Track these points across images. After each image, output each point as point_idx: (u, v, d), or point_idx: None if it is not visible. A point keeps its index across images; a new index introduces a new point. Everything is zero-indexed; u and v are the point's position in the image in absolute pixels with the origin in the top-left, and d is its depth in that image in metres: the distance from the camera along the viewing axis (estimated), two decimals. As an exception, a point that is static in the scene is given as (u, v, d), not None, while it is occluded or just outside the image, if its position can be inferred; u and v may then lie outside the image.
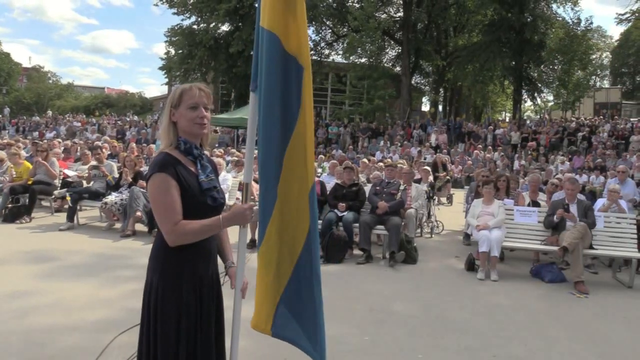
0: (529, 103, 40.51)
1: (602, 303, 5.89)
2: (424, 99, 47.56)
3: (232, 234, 2.54)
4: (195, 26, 33.10)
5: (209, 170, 2.42)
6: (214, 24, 31.85)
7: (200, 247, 2.31)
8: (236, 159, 11.83)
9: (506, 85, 36.88)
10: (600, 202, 8.12)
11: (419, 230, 9.31)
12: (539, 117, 41.14)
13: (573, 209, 7.05)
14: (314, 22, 33.23)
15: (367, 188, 8.20)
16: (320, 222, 7.65)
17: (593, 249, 6.87)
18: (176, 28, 33.34)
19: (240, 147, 21.50)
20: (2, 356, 3.79)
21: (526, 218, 7.29)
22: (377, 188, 7.86)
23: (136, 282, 5.70)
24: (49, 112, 35.34)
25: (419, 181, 10.88)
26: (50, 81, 62.21)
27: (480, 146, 22.58)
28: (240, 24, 30.89)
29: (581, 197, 7.84)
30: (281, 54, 2.37)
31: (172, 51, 34.44)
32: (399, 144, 23.04)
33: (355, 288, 6.06)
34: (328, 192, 8.06)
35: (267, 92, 2.40)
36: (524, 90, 33.59)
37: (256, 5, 2.57)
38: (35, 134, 25.60)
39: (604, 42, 56.73)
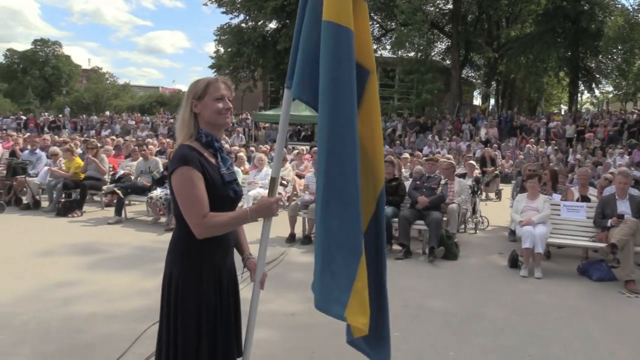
0: (586, 95, 39.00)
1: (654, 303, 5.59)
2: (475, 93, 46.54)
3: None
4: (243, 24, 33.65)
5: (229, 162, 2.43)
6: (261, 21, 32.30)
7: (220, 238, 2.31)
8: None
9: (561, 77, 35.55)
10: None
11: (462, 226, 9.12)
12: (597, 109, 39.43)
13: (625, 205, 6.71)
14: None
15: (409, 183, 8.09)
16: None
17: (646, 246, 6.52)
18: (225, 27, 34.03)
19: (288, 143, 21.69)
20: (42, 341, 3.96)
21: (573, 214, 7.00)
22: (417, 183, 7.73)
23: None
24: (107, 112, 36.70)
25: (463, 176, 10.64)
26: (108, 82, 64.58)
27: (532, 140, 21.86)
28: (287, 21, 31.17)
29: (635, 192, 7.46)
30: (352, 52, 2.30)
31: (222, 50, 35.15)
32: (448, 139, 22.61)
33: (391, 283, 5.88)
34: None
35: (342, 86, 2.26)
36: (580, 82, 32.29)
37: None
38: (92, 132, 26.65)
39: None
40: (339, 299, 2.23)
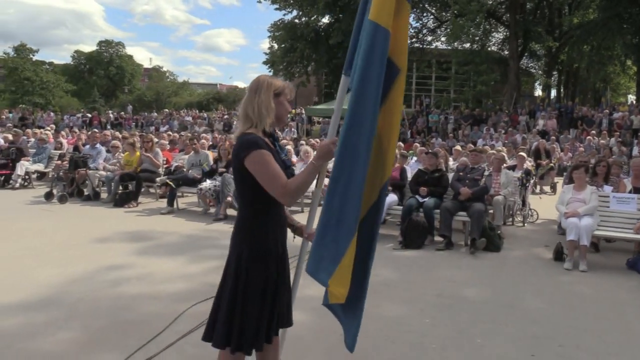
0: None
1: None
2: (536, 84, 44.93)
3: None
4: (296, 20, 33.93)
5: (285, 151, 2.73)
6: (314, 16, 32.44)
7: (277, 215, 2.60)
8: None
9: (628, 65, 33.77)
10: None
11: (510, 219, 8.97)
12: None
13: (678, 195, 6.43)
14: (415, 9, 32.63)
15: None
16: (400, 207, 7.65)
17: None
18: (278, 23, 34.42)
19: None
20: (91, 317, 4.30)
21: (623, 205, 6.75)
22: (461, 174, 7.68)
23: (219, 260, 6.06)
24: (166, 110, 38.04)
25: (513, 168, 10.43)
26: (168, 80, 66.77)
27: (593, 132, 20.96)
28: (340, 15, 31.22)
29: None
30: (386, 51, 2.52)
31: (275, 46, 35.63)
32: (503, 131, 22.04)
33: (429, 273, 6.01)
34: (410, 179, 8.01)
35: (368, 83, 2.51)
36: (648, 70, 30.61)
37: None
38: (152, 128, 27.74)
39: None
40: (327, 269, 2.55)
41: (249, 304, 2.48)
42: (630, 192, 7.37)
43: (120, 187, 10.06)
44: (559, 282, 5.74)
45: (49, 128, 19.67)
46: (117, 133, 15.50)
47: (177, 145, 13.96)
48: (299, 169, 9.81)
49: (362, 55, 2.51)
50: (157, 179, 10.25)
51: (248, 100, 2.53)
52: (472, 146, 15.62)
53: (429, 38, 36.34)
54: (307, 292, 5.12)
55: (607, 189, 7.53)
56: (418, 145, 15.32)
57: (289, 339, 3.97)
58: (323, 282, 2.56)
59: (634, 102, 29.33)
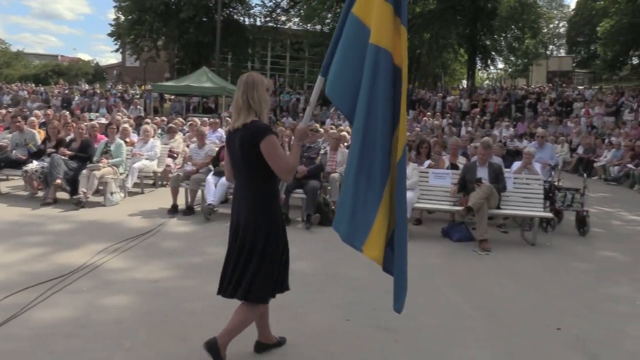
0: (493, 70, 41.05)
1: (500, 259, 6.17)
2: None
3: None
4: (144, -10, 32.04)
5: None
6: (163, -13, 30.93)
7: (277, 190, 3.25)
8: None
9: (461, 54, 37.15)
10: (516, 165, 8.40)
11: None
12: (492, 85, 41.79)
13: (484, 172, 7.27)
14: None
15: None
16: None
17: (500, 209, 7.14)
18: (125, -8, 32.26)
19: (187, 115, 21.19)
20: None
21: (440, 180, 7.50)
22: (298, 152, 7.91)
23: (43, 247, 5.71)
24: (-5, 82, 33.94)
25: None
26: (-1, 49, 59.46)
27: (429, 113, 22.85)
28: (191, -12, 30.12)
29: (497, 160, 8.10)
30: (392, 68, 3.10)
31: (122, 17, 33.40)
32: (350, 111, 23.08)
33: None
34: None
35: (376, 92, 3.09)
36: (477, 59, 33.94)
37: None
38: (-24, 103, 24.62)
39: (561, 11, 57.56)
40: (360, 237, 3.13)
41: (276, 260, 3.16)
42: (448, 167, 8.20)
43: None
44: (382, 252, 6.22)
45: None
46: None
47: (3, 122, 12.57)
48: (138, 148, 9.43)
49: (369, 74, 3.10)
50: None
51: (247, 93, 3.03)
52: (317, 126, 16.13)
53: (283, 18, 36.64)
54: (136, 275, 5.01)
55: (427, 163, 8.30)
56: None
57: (108, 324, 3.86)
58: (358, 248, 3.15)
59: (465, 87, 32.47)
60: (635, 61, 34.77)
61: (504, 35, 33.35)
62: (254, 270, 3.08)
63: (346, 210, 3.20)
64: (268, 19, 35.38)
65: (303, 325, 4.02)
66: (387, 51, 3.10)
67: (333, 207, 7.72)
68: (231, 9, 34.51)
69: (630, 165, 14.29)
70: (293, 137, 3.45)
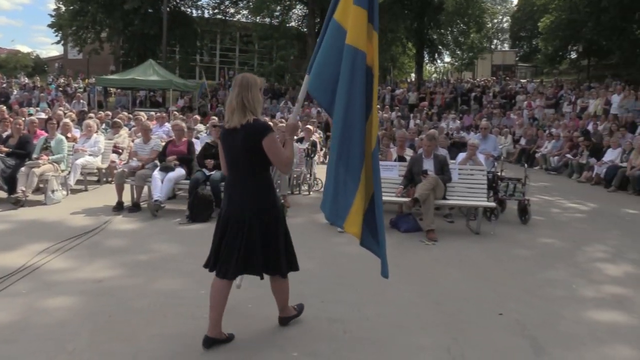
0: (440, 63, 41.84)
1: (446, 249, 6.34)
2: (334, 61, 47.63)
3: None
4: (86, -20, 30.91)
5: None
6: (106, -23, 29.90)
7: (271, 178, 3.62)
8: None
9: (409, 47, 37.73)
10: (461, 156, 8.63)
11: (297, 188, 9.50)
12: (444, 78, 42.69)
13: (429, 163, 7.44)
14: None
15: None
16: (187, 181, 7.59)
17: (446, 199, 7.33)
18: (66, -19, 31.01)
19: (134, 109, 20.65)
20: None
21: (388, 172, 7.60)
22: (247, 147, 7.86)
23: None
24: None
25: (302, 140, 11.02)
26: None
27: (378, 106, 23.08)
28: (135, -21, 29.22)
29: (442, 152, 8.30)
30: (365, 68, 3.59)
31: (63, 7, 32.10)
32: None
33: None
34: (198, 152, 7.98)
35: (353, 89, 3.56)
36: (425, 52, 34.56)
37: None
38: None
39: (505, 6, 59.33)
40: (342, 216, 3.62)
41: (288, 236, 3.71)
42: (395, 160, 8.33)
43: None
44: (331, 244, 6.29)
45: None
46: None
47: None
48: (80, 144, 9.13)
49: (345, 76, 3.55)
50: None
51: (242, 95, 3.31)
52: (274, 119, 16.06)
53: (232, 10, 36.10)
54: (79, 276, 4.87)
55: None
56: (216, 119, 15.26)
57: (49, 326, 3.74)
58: (340, 226, 3.71)
59: (413, 80, 33.05)
60: (573, 55, 36.20)
61: (450, 29, 34.06)
62: (276, 250, 3.56)
63: (329, 193, 3.68)
64: (216, 10, 34.80)
65: (252, 321, 4.01)
66: (363, 52, 3.57)
67: (283, 201, 7.71)
68: (178, 1, 33.76)
69: (568, 156, 14.94)
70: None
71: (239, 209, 3.46)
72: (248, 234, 3.41)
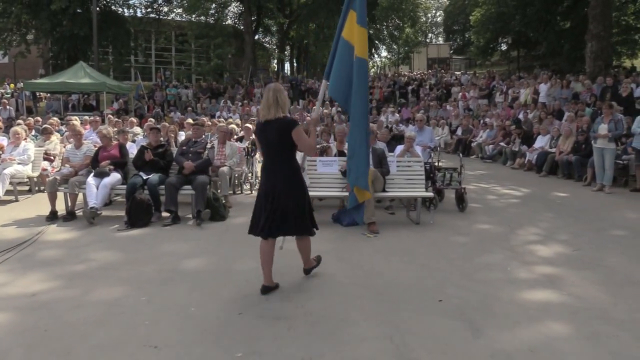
0: (376, 58, 42.39)
1: (387, 240, 6.46)
2: (272, 58, 47.58)
3: None
4: (8, -21, 29.32)
5: None
6: (30, -24, 28.47)
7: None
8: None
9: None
10: (399, 148, 8.81)
11: (239, 188, 9.42)
12: (382, 72, 43.34)
13: (368, 156, 7.54)
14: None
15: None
16: (124, 186, 7.38)
17: (386, 192, 7.46)
18: (-15, -19, 29.27)
19: (66, 114, 19.82)
20: None
21: (327, 168, 7.67)
22: (184, 148, 7.75)
23: None
24: None
25: (242, 139, 10.93)
26: None
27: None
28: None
29: (380, 144, 8.44)
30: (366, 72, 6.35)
31: (-17, 9, 30.30)
32: (240, 104, 22.88)
33: (153, 250, 5.96)
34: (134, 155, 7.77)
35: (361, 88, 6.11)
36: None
37: None
38: None
39: (437, 1, 60.84)
40: (365, 186, 6.37)
41: (310, 205, 4.67)
42: (335, 155, 8.40)
43: None
44: (274, 242, 6.26)
45: None
46: None
47: None
48: (8, 153, 8.68)
49: (358, 84, 6.00)
50: None
51: (276, 95, 4.30)
52: (205, 120, 15.82)
53: (165, 9, 35.27)
54: (10, 291, 4.65)
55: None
56: (153, 121, 14.91)
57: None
58: (367, 189, 6.37)
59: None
60: (504, 47, 37.63)
61: (385, 24, 34.63)
62: (302, 216, 4.50)
63: (363, 169, 6.31)
64: (149, 10, 33.91)
65: (196, 322, 3.95)
66: (365, 60, 5.98)
67: (224, 201, 7.63)
68: (108, 0, 32.62)
69: (502, 144, 15.55)
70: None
71: (274, 185, 4.36)
72: (284, 204, 4.34)
